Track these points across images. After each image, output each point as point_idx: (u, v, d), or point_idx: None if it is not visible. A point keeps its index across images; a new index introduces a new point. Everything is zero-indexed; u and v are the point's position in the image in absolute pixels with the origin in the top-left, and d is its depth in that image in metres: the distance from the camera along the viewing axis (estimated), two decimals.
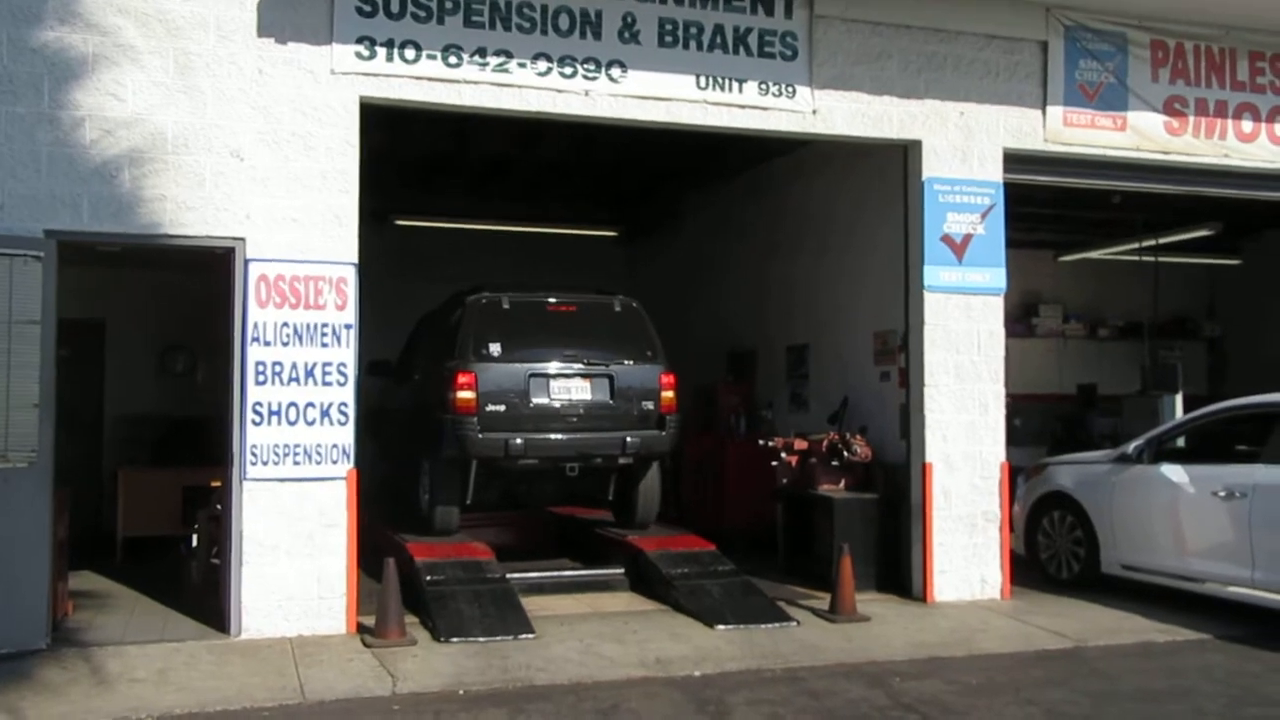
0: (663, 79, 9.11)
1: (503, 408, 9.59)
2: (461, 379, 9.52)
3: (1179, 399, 14.07)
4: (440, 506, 10.02)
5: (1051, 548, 10.63)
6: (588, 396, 9.88)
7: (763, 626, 8.75)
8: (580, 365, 9.90)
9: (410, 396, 11.25)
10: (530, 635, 8.27)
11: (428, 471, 10.28)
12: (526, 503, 11.20)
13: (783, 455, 10.92)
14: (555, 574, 10.15)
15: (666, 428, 10.07)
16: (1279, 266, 16.15)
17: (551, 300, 10.29)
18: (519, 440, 9.55)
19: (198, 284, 10.66)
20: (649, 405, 10.02)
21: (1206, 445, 9.67)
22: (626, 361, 10.06)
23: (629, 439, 9.86)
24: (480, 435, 9.48)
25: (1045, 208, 13.47)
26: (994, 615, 9.37)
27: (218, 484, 9.17)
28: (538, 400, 9.72)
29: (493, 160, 13.64)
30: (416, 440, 10.62)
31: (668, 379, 10.14)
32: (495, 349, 9.69)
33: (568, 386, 9.85)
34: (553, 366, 9.82)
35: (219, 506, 9.04)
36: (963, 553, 9.87)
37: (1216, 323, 17.73)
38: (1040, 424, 15.38)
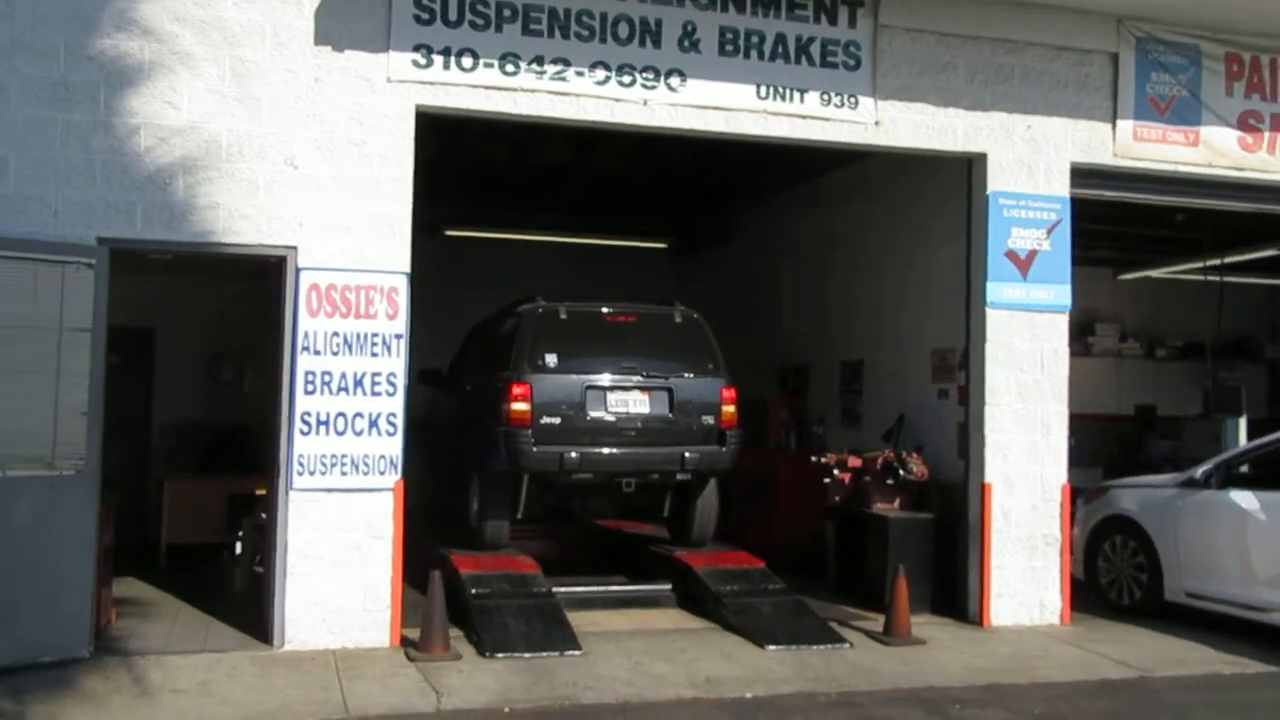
0: (723, 88, 8.97)
1: (558, 420, 9.35)
2: (516, 390, 9.30)
3: (1243, 422, 13.70)
4: (491, 521, 9.82)
5: (1113, 573, 10.34)
6: (646, 410, 9.64)
7: (815, 648, 8.56)
8: (639, 377, 9.68)
9: (462, 407, 11.05)
10: (577, 652, 8.14)
11: (478, 484, 10.08)
12: (580, 518, 10.98)
13: (835, 472, 10.71)
14: (602, 589, 9.99)
15: (727, 443, 9.79)
16: None
17: (610, 310, 10.03)
18: (574, 454, 9.32)
19: (247, 292, 10.64)
20: (709, 420, 9.75)
21: (1277, 471, 9.34)
22: (686, 374, 9.80)
23: (688, 454, 9.61)
24: (534, 448, 9.26)
25: (1105, 224, 13.16)
26: (1054, 641, 9.10)
27: (263, 492, 9.12)
28: (594, 413, 9.49)
29: (545, 170, 13.54)
30: (467, 452, 10.43)
31: (729, 393, 9.87)
32: (551, 360, 9.46)
33: (625, 399, 9.62)
34: (610, 378, 9.60)
35: (264, 515, 8.97)
36: (1021, 576, 9.62)
37: (1279, 345, 17.30)
38: (1096, 445, 15.06)
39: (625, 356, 9.73)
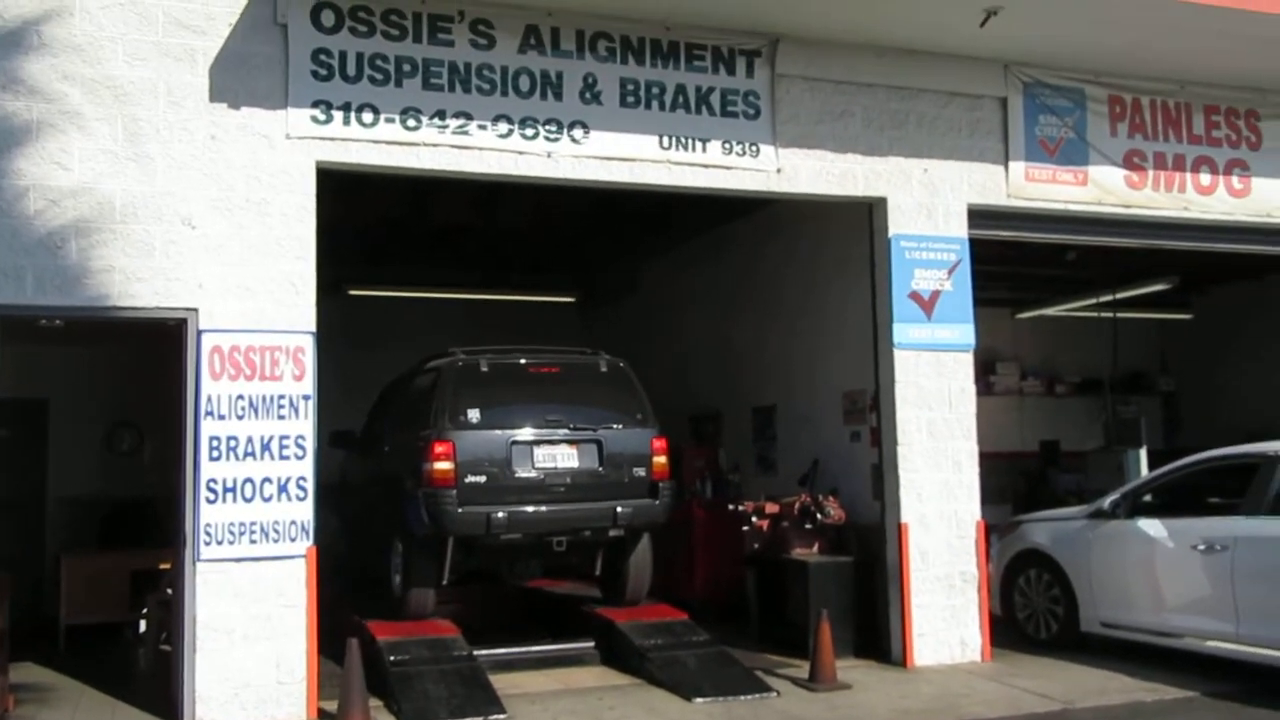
0: (626, 139, 8.99)
1: (483, 479, 8.98)
2: (438, 448, 8.90)
3: (1143, 453, 14.05)
4: (415, 589, 9.37)
5: (1029, 607, 10.44)
6: (575, 464, 9.32)
7: (742, 698, 8.46)
8: (566, 430, 9.35)
9: (378, 469, 10.63)
10: (501, 716, 7.93)
11: (400, 551, 9.65)
12: (508, 580, 10.59)
13: (753, 519, 10.68)
14: (524, 649, 9.66)
15: (660, 496, 9.53)
16: (1228, 321, 16.30)
17: (532, 361, 9.74)
18: (501, 514, 8.96)
19: (145, 358, 10.32)
20: (641, 472, 9.47)
21: (1182, 499, 9.53)
22: (615, 425, 9.52)
23: (620, 509, 9.30)
24: (459, 509, 8.87)
25: (1001, 264, 13.48)
26: (976, 679, 9.14)
27: (167, 566, 8.80)
28: (521, 470, 9.14)
29: (450, 227, 13.45)
30: (386, 516, 9.99)
31: (660, 443, 9.62)
32: (474, 415, 9.09)
33: (553, 453, 9.29)
34: (536, 432, 9.27)
35: (169, 590, 8.64)
36: (941, 614, 9.67)
37: (1171, 377, 17.84)
38: (1003, 481, 15.28)
39: (551, 409, 9.42)
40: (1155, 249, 11.45)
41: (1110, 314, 15.61)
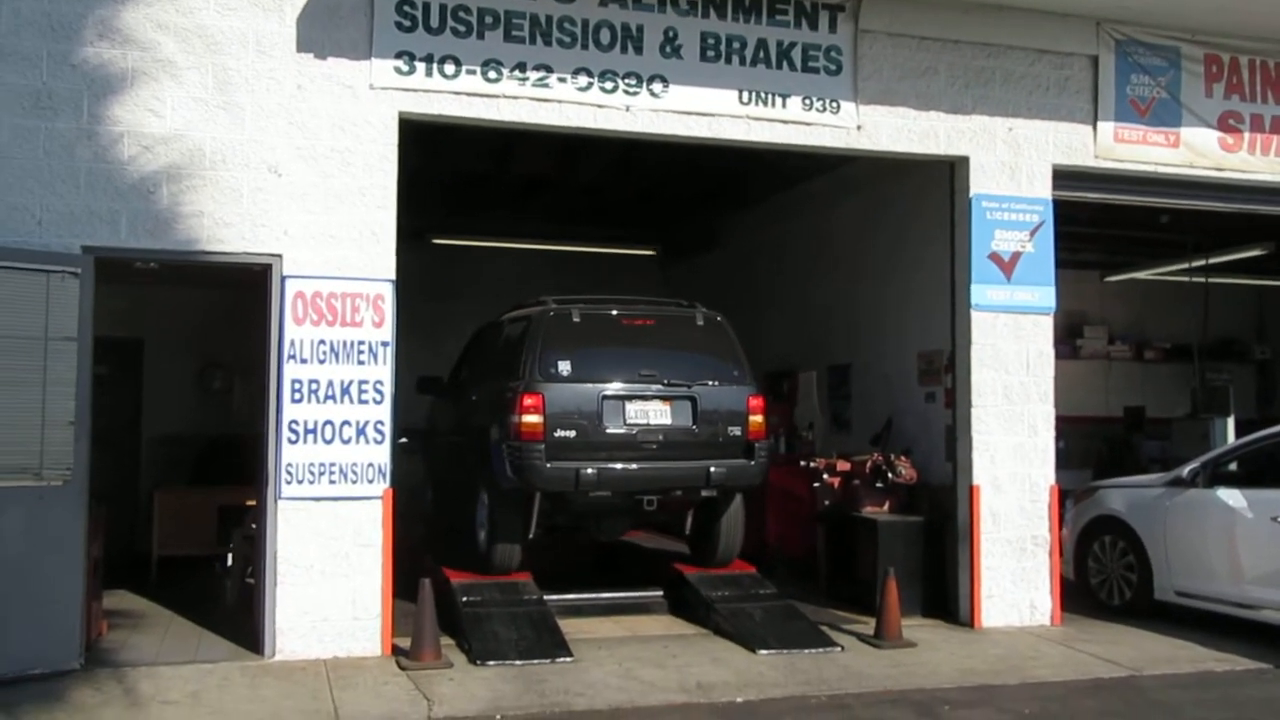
0: (705, 94, 8.99)
1: (573, 434, 8.74)
2: (527, 401, 8.66)
3: (1230, 422, 13.75)
4: (500, 544, 9.19)
5: (1103, 573, 10.35)
6: (667, 421, 9.03)
7: (806, 652, 8.54)
8: (659, 386, 9.05)
9: (466, 419, 10.45)
10: (568, 659, 8.11)
11: (486, 503, 9.50)
12: (595, 537, 10.38)
13: (825, 477, 10.72)
14: (593, 596, 9.78)
15: (755, 456, 9.21)
16: None
17: (627, 313, 9.42)
18: (590, 470, 8.71)
19: (236, 301, 10.62)
20: (736, 431, 9.15)
21: (1264, 469, 9.36)
22: (711, 382, 9.21)
23: (713, 469, 9.03)
24: (547, 465, 8.67)
25: (1090, 227, 13.23)
26: (1045, 642, 9.11)
27: (253, 503, 9.09)
28: (611, 425, 8.88)
29: (531, 178, 13.57)
30: (472, 467, 9.86)
31: (756, 402, 9.29)
32: (564, 368, 8.85)
33: (645, 410, 8.99)
34: (628, 387, 8.97)
35: (254, 526, 8.95)
36: (1011, 577, 9.64)
37: (1266, 345, 17.37)
38: (1085, 446, 15.11)
39: (644, 363, 9.12)
40: (1250, 214, 11.14)
41: (1203, 279, 15.23)
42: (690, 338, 9.46)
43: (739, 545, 9.88)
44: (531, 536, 9.24)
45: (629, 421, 8.94)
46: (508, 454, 8.82)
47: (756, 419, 9.25)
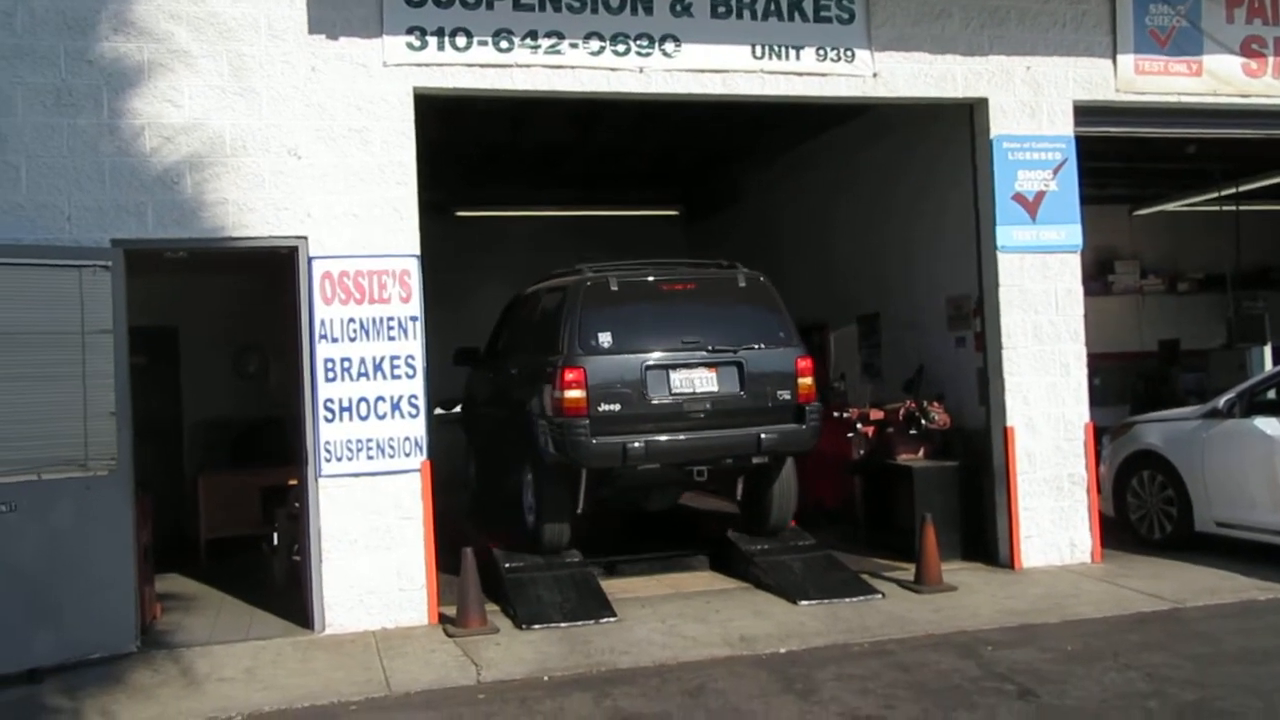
0: (718, 51, 8.95)
1: (617, 406, 8.49)
2: (568, 375, 8.45)
3: (1268, 350, 13.63)
4: (549, 525, 9.03)
5: (1142, 508, 10.35)
6: (714, 388, 8.77)
7: (847, 600, 8.60)
8: (704, 352, 8.79)
9: (507, 394, 10.24)
10: (612, 618, 8.22)
11: (531, 483, 9.35)
12: (644, 508, 10.16)
13: (859, 426, 10.74)
14: (634, 556, 9.85)
15: (807, 420, 8.93)
16: None
17: (666, 277, 9.14)
18: (638, 444, 8.46)
19: (267, 285, 10.71)
20: (785, 395, 8.88)
21: None
22: (757, 345, 8.93)
23: (764, 435, 8.77)
24: (594, 441, 8.45)
25: (1116, 161, 13.10)
26: (1085, 579, 9.13)
27: (294, 482, 9.24)
28: (656, 396, 8.64)
29: (549, 146, 13.57)
30: (514, 442, 9.68)
31: (805, 363, 9.02)
32: (605, 339, 8.60)
33: (690, 378, 8.74)
34: (672, 355, 8.72)
35: (297, 504, 9.10)
36: (1049, 516, 9.65)
37: None
38: (1122, 383, 15.02)
39: (687, 329, 8.84)
40: (1278, 140, 10.98)
41: (1233, 207, 15.04)
42: (733, 300, 9.20)
43: (792, 510, 9.72)
44: (579, 511, 9.11)
45: (674, 391, 8.71)
46: (551, 430, 8.69)
47: (806, 381, 9.01)
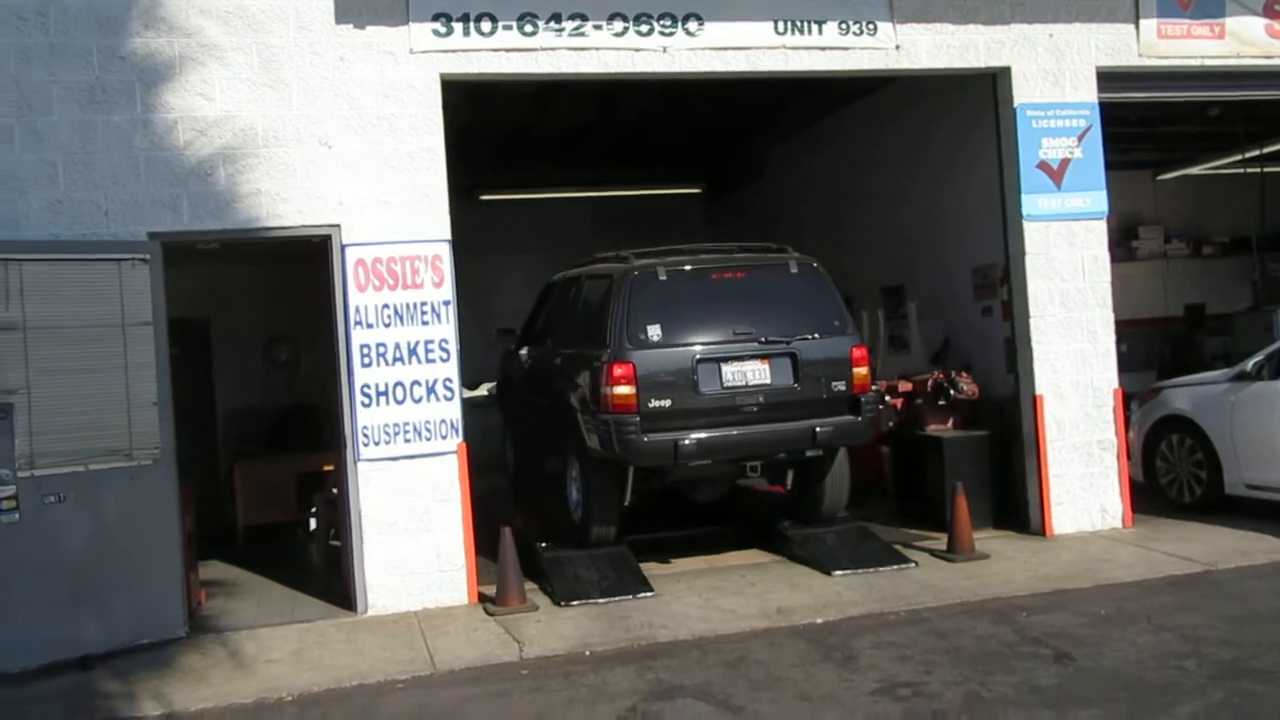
0: (740, 28, 8.98)
1: (668, 402, 8.27)
2: (617, 371, 8.21)
3: None
4: (597, 526, 8.88)
5: (1171, 472, 10.38)
6: (767, 380, 8.53)
7: (881, 570, 8.68)
8: (756, 344, 8.55)
9: (550, 385, 9.87)
10: (649, 594, 8.32)
11: (577, 478, 9.16)
12: (694, 500, 10.10)
13: (888, 398, 10.77)
14: (670, 533, 9.90)
15: (862, 411, 8.74)
16: None
17: (715, 265, 8.87)
18: (689, 440, 8.26)
19: (296, 274, 10.83)
20: (840, 386, 8.67)
21: None
22: (810, 335, 8.71)
23: (819, 428, 8.55)
24: (644, 438, 8.22)
25: (1139, 126, 13.07)
26: (1117, 544, 9.19)
27: (330, 467, 9.37)
28: (708, 389, 8.40)
29: (574, 127, 13.63)
30: (560, 436, 9.51)
31: (860, 352, 8.82)
32: (654, 332, 8.34)
33: (743, 370, 8.51)
34: (724, 347, 8.49)
35: (334, 489, 9.23)
36: (1080, 483, 9.70)
37: None
38: (1148, 348, 14.99)
39: (738, 320, 8.60)
40: None
41: (1258, 169, 14.97)
42: (785, 288, 8.92)
43: (845, 500, 9.55)
44: (627, 504, 8.94)
45: (726, 384, 8.48)
46: (598, 427, 8.48)
47: (861, 371, 8.78)
